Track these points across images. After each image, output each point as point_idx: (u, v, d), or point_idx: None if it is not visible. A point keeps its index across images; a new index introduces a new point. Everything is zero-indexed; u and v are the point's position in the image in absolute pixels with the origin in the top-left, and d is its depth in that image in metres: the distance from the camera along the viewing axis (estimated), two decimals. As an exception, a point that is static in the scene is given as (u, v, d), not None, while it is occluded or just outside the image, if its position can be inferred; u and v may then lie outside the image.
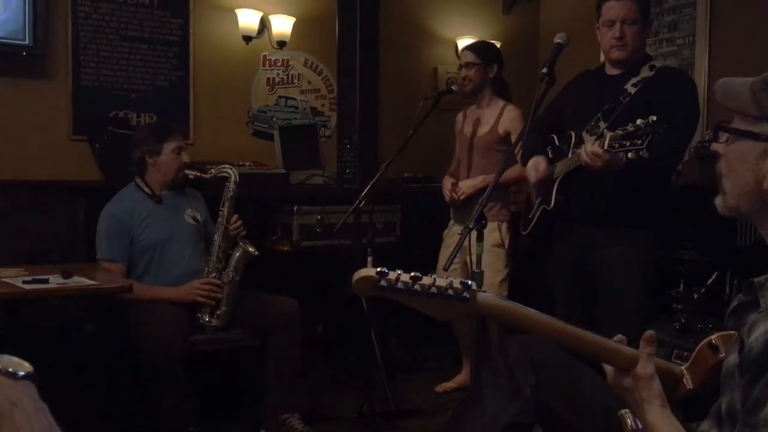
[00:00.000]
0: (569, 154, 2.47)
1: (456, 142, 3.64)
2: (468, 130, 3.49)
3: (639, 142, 2.06)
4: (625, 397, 1.24)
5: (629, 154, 2.10)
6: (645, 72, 2.46)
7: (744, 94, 1.08)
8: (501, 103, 3.45)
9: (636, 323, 2.48)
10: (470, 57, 3.42)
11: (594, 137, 2.40)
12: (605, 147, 2.17)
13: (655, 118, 2.02)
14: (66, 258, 3.01)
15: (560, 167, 2.51)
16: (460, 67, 3.47)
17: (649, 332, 1.25)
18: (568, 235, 2.58)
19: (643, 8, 2.46)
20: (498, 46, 4.66)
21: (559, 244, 2.66)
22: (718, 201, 1.14)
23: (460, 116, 3.63)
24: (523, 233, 2.77)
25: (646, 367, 1.21)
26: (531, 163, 2.62)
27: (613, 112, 2.43)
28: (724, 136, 1.13)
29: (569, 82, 2.73)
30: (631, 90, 2.44)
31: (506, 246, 3.35)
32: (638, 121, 2.07)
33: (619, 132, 2.13)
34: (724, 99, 1.13)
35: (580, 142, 2.45)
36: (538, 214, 2.62)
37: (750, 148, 1.06)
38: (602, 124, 2.43)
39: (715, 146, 1.15)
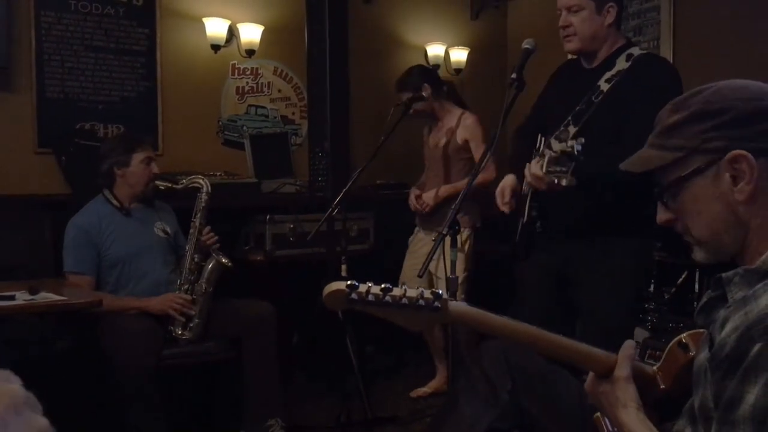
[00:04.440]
0: None
1: (424, 153, 3.68)
2: (432, 141, 3.54)
3: (564, 169, 1.87)
4: (600, 402, 1.25)
5: (563, 182, 1.90)
6: (621, 64, 2.23)
7: (654, 154, 1.12)
8: (458, 111, 3.49)
9: (620, 334, 2.44)
10: (403, 96, 3.41)
11: (562, 144, 2.15)
12: (544, 170, 1.96)
13: (583, 140, 1.85)
14: (33, 274, 2.94)
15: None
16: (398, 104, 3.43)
17: (630, 340, 1.27)
18: (547, 248, 2.41)
19: None
20: (466, 52, 4.73)
21: (537, 256, 2.47)
22: (699, 254, 1.14)
23: (426, 128, 3.66)
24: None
25: (623, 368, 1.22)
26: (499, 188, 2.44)
27: (584, 114, 2.23)
28: (666, 199, 1.13)
29: (552, 75, 2.52)
30: (605, 87, 2.21)
31: (466, 250, 3.37)
32: (569, 143, 1.88)
33: (553, 154, 1.93)
34: (643, 167, 1.15)
35: (549, 149, 2.23)
36: (519, 227, 2.45)
37: (700, 184, 1.08)
38: (572, 129, 2.25)
39: (662, 216, 1.16)
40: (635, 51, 2.28)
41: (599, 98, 2.22)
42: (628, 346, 1.25)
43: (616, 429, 1.24)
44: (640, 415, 1.19)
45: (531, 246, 2.49)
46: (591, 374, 1.28)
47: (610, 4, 2.24)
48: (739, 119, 1.05)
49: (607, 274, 2.28)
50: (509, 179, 2.45)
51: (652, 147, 1.14)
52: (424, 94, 3.40)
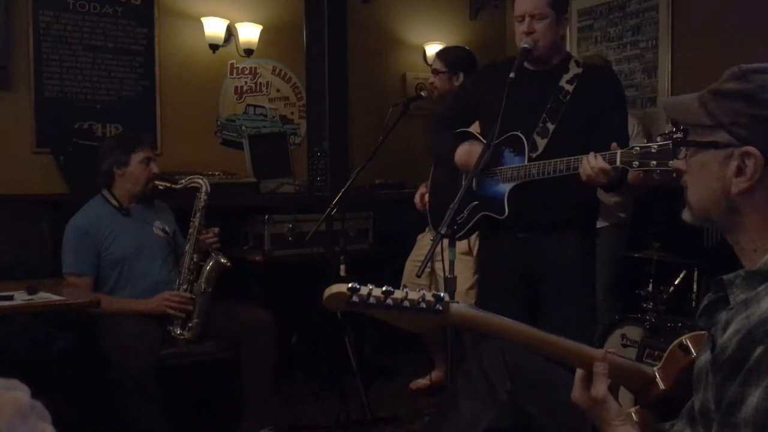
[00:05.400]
0: (525, 160, 2.36)
1: None
2: None
3: (672, 162, 1.95)
4: (589, 414, 1.27)
5: (655, 175, 2.04)
6: (574, 68, 2.42)
7: (694, 107, 1.11)
8: None
9: (593, 327, 2.50)
10: (437, 64, 3.47)
11: (545, 140, 2.36)
12: (618, 163, 2.09)
13: (681, 134, 1.90)
14: (31, 273, 2.94)
15: (513, 173, 2.38)
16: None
17: (601, 351, 1.26)
18: (516, 244, 2.46)
19: (553, 2, 2.35)
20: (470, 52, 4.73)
21: (503, 252, 2.51)
22: (686, 214, 1.17)
23: None
24: (454, 238, 2.50)
25: (598, 388, 1.22)
26: (463, 153, 2.47)
27: (558, 111, 2.37)
28: (682, 152, 1.16)
29: (478, 77, 2.66)
30: (569, 88, 2.39)
31: (474, 253, 3.35)
32: (668, 138, 1.98)
33: (637, 149, 2.04)
34: (678, 114, 1.18)
35: (534, 146, 2.37)
36: (474, 220, 2.49)
37: (711, 157, 1.09)
38: (550, 126, 2.37)
39: (676, 163, 1.18)
40: (578, 59, 2.52)
41: (567, 97, 2.39)
42: (600, 364, 1.24)
43: None
44: (624, 429, 1.20)
45: (491, 244, 2.55)
46: (576, 381, 1.27)
47: (565, 16, 2.45)
48: None
49: (580, 267, 2.43)
50: (473, 145, 2.47)
51: (699, 100, 1.12)
52: (455, 81, 3.40)
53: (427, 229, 3.58)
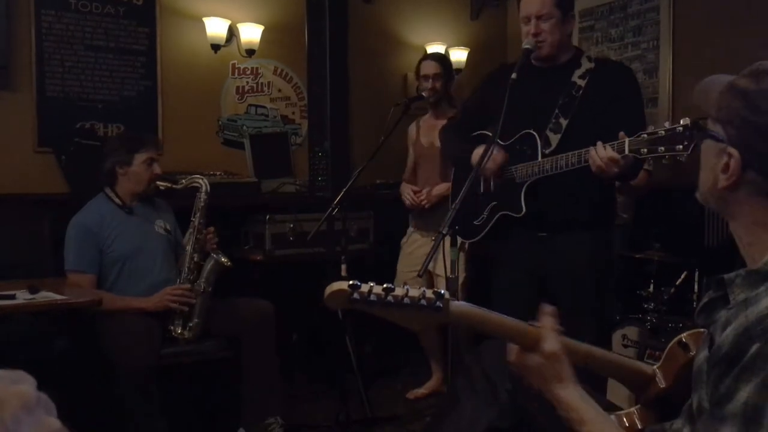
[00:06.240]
0: (538, 157, 2.36)
1: (408, 151, 3.69)
2: (425, 140, 3.54)
3: (681, 147, 1.91)
4: (531, 375, 1.23)
5: (663, 160, 1.98)
6: (586, 64, 2.42)
7: (715, 94, 1.11)
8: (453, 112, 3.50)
9: (603, 326, 2.50)
10: (436, 68, 3.49)
11: (558, 135, 2.35)
12: (626, 152, 2.06)
13: (689, 120, 1.90)
14: (33, 272, 2.94)
15: (528, 170, 2.39)
16: (423, 77, 3.51)
17: (549, 306, 1.24)
18: (531, 243, 2.46)
19: (559, 1, 2.36)
20: (466, 52, 4.76)
21: (517, 251, 2.51)
22: (697, 193, 1.17)
23: (413, 127, 3.68)
24: (468, 240, 2.61)
25: (552, 341, 1.20)
26: (477, 155, 2.42)
27: (571, 106, 2.36)
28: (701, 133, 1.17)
29: (489, 79, 2.65)
30: (581, 83, 2.38)
31: (465, 249, 3.35)
32: (677, 124, 1.94)
33: (644, 136, 2.01)
34: (702, 95, 1.15)
35: (547, 143, 2.37)
36: (494, 220, 2.50)
37: (710, 147, 1.10)
38: (563, 121, 2.36)
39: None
40: (590, 54, 2.51)
41: (579, 92, 2.38)
42: (547, 317, 1.22)
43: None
44: (579, 390, 1.19)
45: (505, 243, 2.54)
46: (513, 347, 1.25)
47: (571, 13, 2.43)
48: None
49: (590, 264, 2.41)
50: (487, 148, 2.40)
51: (721, 88, 1.10)
52: (450, 86, 3.51)
53: (409, 231, 3.59)
